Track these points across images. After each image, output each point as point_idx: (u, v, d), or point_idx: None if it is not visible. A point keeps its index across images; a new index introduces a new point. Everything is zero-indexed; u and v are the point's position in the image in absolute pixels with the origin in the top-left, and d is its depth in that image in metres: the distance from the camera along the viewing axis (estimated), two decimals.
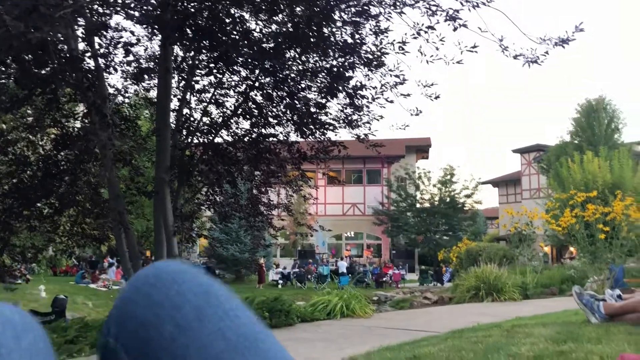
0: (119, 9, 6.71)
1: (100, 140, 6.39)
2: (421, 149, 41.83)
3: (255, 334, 0.58)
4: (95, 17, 7.28)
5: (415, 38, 7.06)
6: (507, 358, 3.31)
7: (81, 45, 8.51)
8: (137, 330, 0.57)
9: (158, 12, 7.00)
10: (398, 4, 6.87)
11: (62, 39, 7.38)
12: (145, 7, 6.90)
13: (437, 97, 7.76)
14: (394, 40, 7.39)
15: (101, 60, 8.46)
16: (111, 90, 9.23)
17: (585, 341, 3.61)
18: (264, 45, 7.81)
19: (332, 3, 6.72)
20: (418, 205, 37.57)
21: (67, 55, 7.35)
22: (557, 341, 3.75)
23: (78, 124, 9.80)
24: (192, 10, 7.56)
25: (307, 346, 5.81)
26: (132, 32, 8.21)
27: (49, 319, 9.27)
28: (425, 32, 6.95)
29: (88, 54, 8.39)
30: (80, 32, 8.07)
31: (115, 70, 8.58)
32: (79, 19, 7.14)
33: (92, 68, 8.43)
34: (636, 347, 3.21)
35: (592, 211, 10.61)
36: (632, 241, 11.46)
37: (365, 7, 7.22)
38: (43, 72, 7.63)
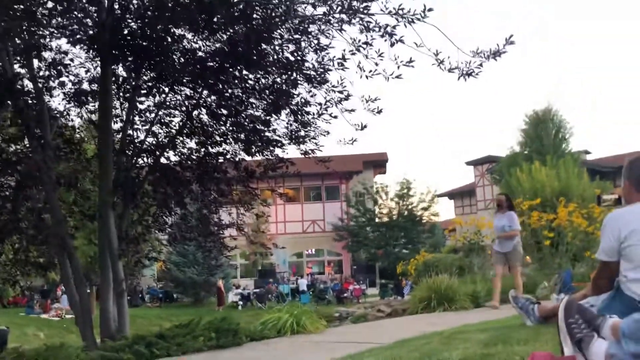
0: (53, 30, 6.61)
1: (35, 163, 6.24)
2: (378, 164, 42.19)
3: None
4: (29, 39, 7.13)
5: (353, 54, 7.17)
6: None
7: (23, 70, 8.36)
8: None
9: (95, 32, 6.93)
10: (332, 21, 6.97)
11: None
12: (81, 28, 6.83)
13: (379, 112, 7.85)
14: (334, 57, 7.48)
15: (40, 83, 8.30)
16: (53, 114, 9.04)
17: (514, 343, 3.71)
18: (206, 63, 7.80)
19: (269, 22, 6.77)
20: (377, 220, 37.82)
21: (1, 78, 7.18)
22: (488, 344, 3.83)
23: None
24: (132, 29, 7.51)
25: None
26: (64, 53, 8.07)
27: None
28: (364, 48, 7.06)
29: (26, 76, 8.23)
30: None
31: (54, 91, 8.43)
32: (13, 40, 6.99)
33: (31, 90, 8.26)
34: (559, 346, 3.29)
35: (536, 218, 10.93)
36: (577, 246, 11.80)
37: (305, 25, 7.31)
38: None
